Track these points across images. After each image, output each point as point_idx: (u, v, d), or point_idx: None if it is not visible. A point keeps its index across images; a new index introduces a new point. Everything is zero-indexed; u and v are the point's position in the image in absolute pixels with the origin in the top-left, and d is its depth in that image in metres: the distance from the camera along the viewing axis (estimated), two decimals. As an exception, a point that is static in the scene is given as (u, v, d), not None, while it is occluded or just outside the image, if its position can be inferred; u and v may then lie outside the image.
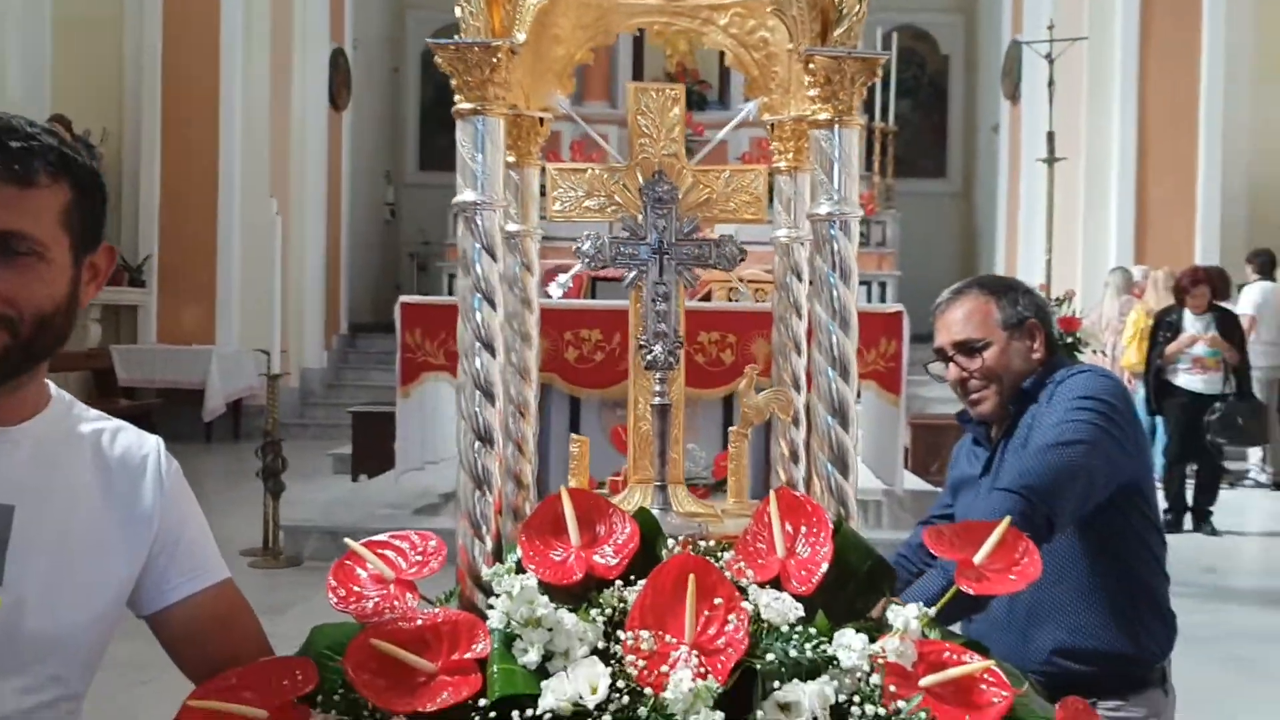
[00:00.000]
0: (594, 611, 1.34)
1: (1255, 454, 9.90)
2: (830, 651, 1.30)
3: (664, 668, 1.27)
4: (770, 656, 1.27)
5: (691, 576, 1.32)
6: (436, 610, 1.41)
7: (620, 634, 1.31)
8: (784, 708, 1.25)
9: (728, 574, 1.39)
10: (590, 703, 1.24)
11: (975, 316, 2.40)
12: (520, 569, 1.41)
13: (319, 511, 7.13)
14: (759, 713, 1.25)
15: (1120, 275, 10.01)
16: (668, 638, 1.30)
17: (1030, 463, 2.19)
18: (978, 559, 1.43)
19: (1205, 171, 11.11)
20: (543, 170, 1.88)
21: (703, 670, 1.26)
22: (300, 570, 6.28)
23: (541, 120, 1.84)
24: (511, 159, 1.80)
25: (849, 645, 1.30)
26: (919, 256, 14.09)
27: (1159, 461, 8.09)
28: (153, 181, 11.34)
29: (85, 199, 1.40)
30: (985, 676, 1.32)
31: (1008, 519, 1.47)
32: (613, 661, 1.29)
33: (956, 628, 1.86)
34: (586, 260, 1.72)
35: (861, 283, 2.96)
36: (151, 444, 1.56)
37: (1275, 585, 6.77)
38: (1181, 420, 8.06)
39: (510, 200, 1.79)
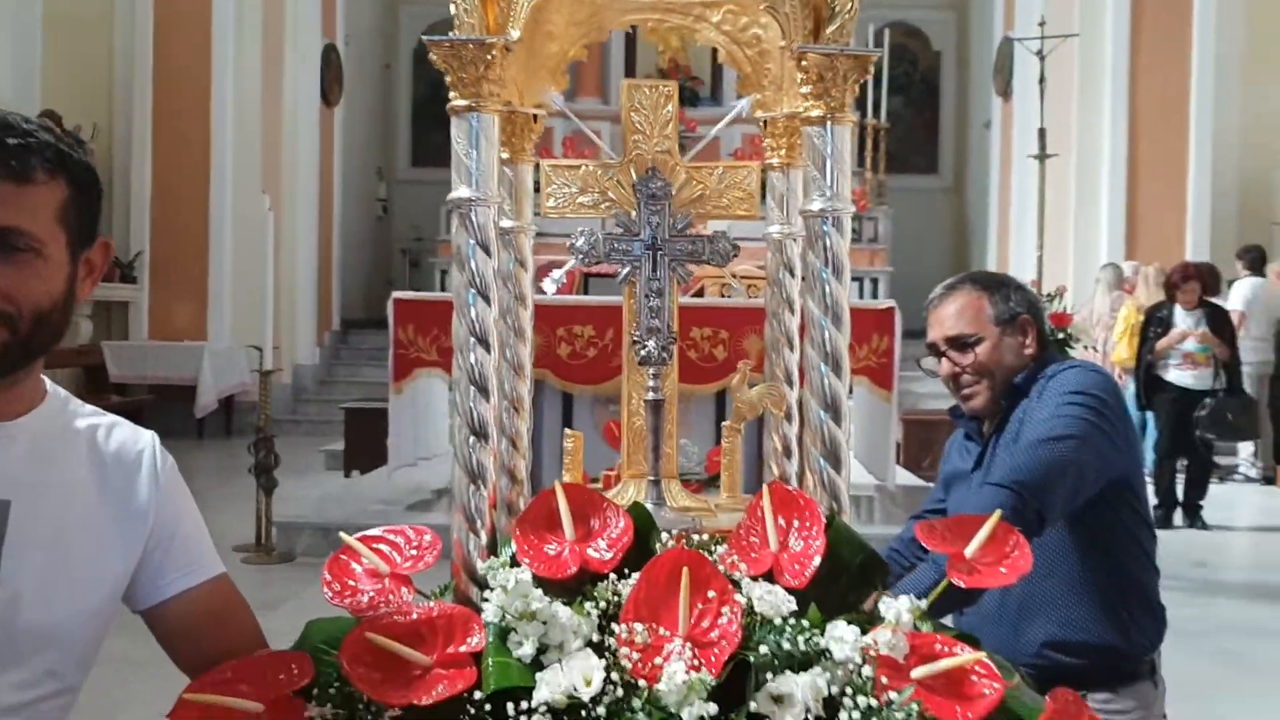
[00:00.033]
0: (588, 605, 1.35)
1: (1246, 449, 9.93)
2: (823, 644, 1.31)
3: (658, 660, 1.28)
4: (763, 649, 1.28)
5: (685, 570, 1.33)
6: (431, 604, 1.41)
7: (614, 627, 1.32)
8: (777, 699, 1.26)
9: (721, 568, 1.39)
10: (585, 695, 1.25)
11: (968, 312, 2.41)
12: (515, 563, 1.42)
13: (311, 508, 7.13)
14: (752, 704, 1.26)
15: (1111, 271, 10.03)
16: (661, 631, 1.31)
17: (1021, 458, 2.20)
18: (969, 553, 1.44)
19: (1196, 168, 11.14)
20: (536, 166, 1.88)
21: (696, 663, 1.27)
22: (293, 566, 6.28)
23: (535, 116, 1.85)
24: (505, 155, 1.80)
25: (841, 638, 1.31)
26: (911, 252, 14.12)
27: (1149, 456, 8.13)
28: (144, 177, 11.31)
29: (82, 195, 1.41)
30: (976, 668, 1.32)
31: (998, 513, 1.47)
32: (607, 654, 1.30)
33: (948, 620, 1.87)
34: (580, 256, 1.73)
35: (854, 278, 2.96)
36: (147, 439, 1.56)
37: (1264, 580, 6.80)
38: (1172, 415, 8.09)
39: (504, 196, 1.79)
